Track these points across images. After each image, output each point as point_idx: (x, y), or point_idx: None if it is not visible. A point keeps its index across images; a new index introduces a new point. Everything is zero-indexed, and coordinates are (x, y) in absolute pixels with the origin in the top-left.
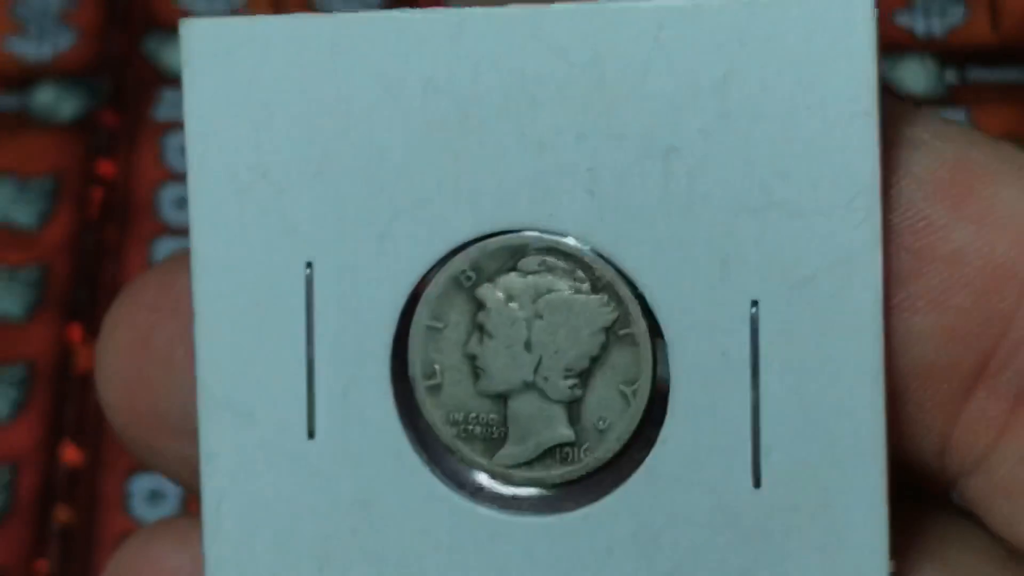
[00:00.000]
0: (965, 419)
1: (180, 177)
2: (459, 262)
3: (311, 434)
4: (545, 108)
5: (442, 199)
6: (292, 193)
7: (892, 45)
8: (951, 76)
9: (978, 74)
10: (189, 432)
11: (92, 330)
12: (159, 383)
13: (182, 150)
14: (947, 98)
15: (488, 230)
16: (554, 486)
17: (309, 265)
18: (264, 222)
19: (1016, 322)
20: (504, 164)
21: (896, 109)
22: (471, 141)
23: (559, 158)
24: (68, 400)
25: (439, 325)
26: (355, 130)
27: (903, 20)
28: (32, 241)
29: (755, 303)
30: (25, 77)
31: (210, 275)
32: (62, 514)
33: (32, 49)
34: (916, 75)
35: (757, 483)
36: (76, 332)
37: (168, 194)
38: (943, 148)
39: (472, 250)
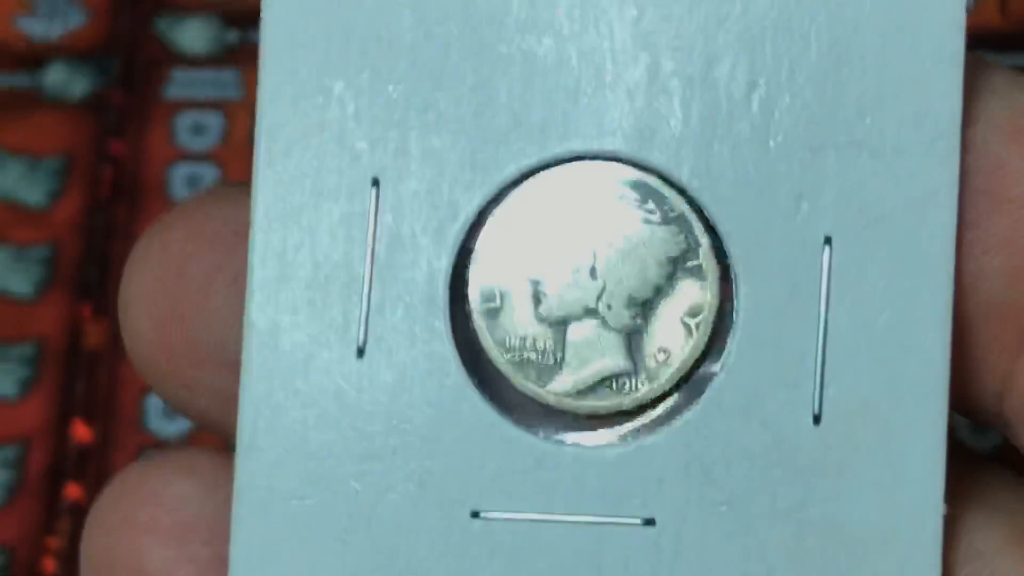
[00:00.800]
0: None
1: (191, 156)
2: (528, 186)
3: (360, 353)
4: (624, 31)
5: (512, 124)
6: (362, 110)
7: None
8: None
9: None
10: (227, 363)
11: (102, 309)
12: (195, 314)
13: (194, 129)
14: None
15: (563, 156)
16: (608, 416)
17: (376, 182)
18: (333, 137)
19: None
20: (590, 94)
21: (974, 63)
22: (556, 70)
23: (644, 91)
24: (78, 378)
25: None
26: (427, 52)
27: None
28: (42, 220)
29: (828, 240)
30: (35, 56)
31: (272, 188)
32: (72, 492)
33: (42, 28)
34: None
35: (817, 420)
36: (86, 311)
37: (178, 174)
38: (1018, 97)
39: (542, 174)
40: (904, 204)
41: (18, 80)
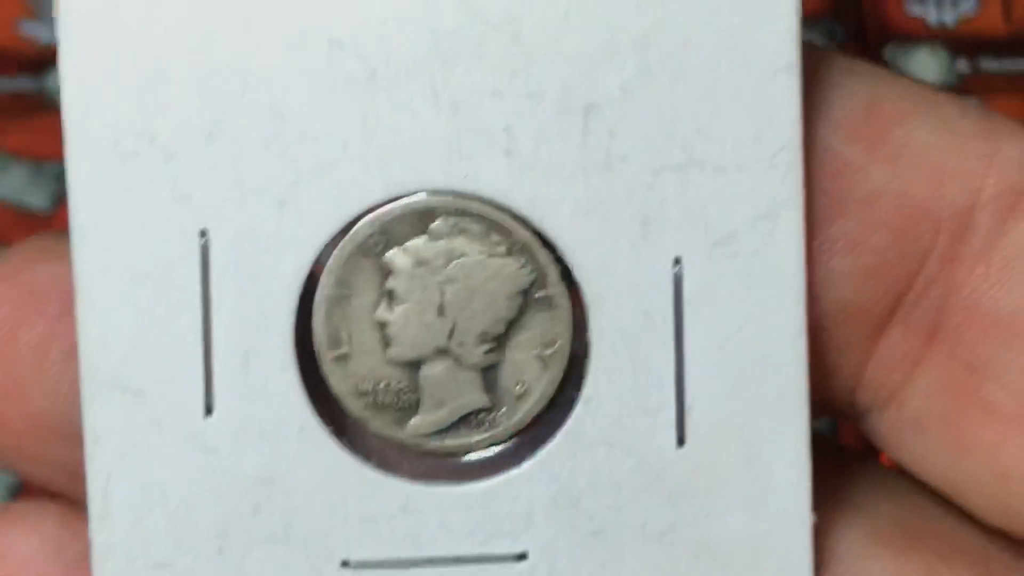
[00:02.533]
0: (879, 356)
1: None
2: (366, 227)
3: (209, 410)
4: (458, 67)
5: (347, 162)
6: (183, 158)
7: (904, 35)
8: (963, 66)
9: (990, 64)
10: (70, 436)
11: None
12: (31, 386)
13: None
14: (959, 88)
15: (397, 193)
16: (470, 452)
17: (203, 234)
18: (152, 189)
19: (930, 259)
20: (414, 125)
21: (811, 55)
22: (379, 101)
23: (474, 118)
24: None
25: (346, 292)
26: (252, 91)
27: (915, 10)
28: (46, 224)
29: (677, 261)
30: (40, 60)
31: (93, 248)
32: None
33: (46, 32)
34: (927, 65)
35: (681, 442)
36: None
37: None
38: (856, 90)
39: (379, 214)
40: (751, 220)
41: (21, 84)
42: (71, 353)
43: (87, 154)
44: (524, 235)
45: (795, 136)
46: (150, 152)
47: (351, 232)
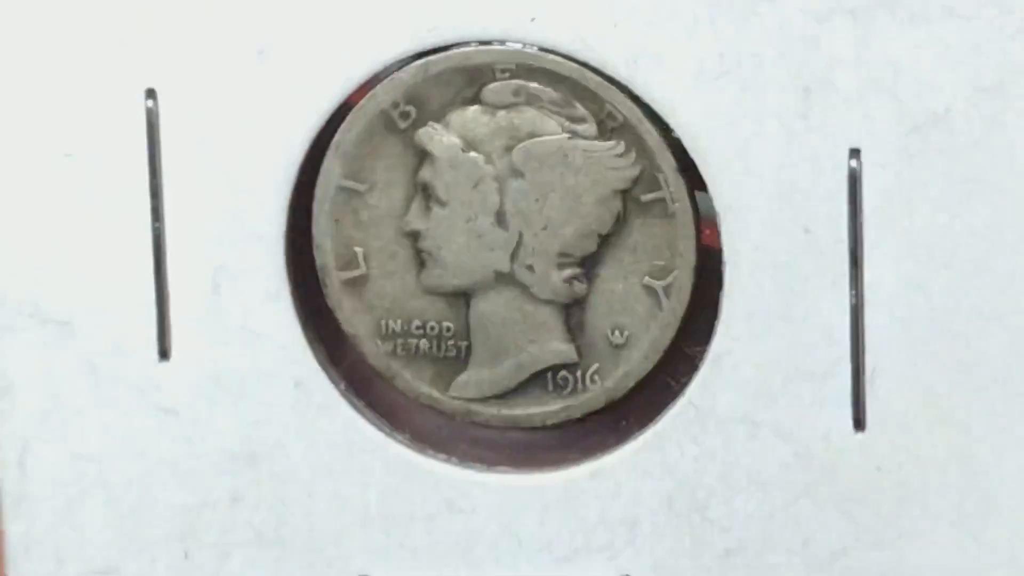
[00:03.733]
0: None
1: None
2: (388, 90)
3: (164, 354)
4: None
5: None
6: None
7: None
8: None
9: None
10: None
11: None
12: None
13: None
14: None
15: (433, 43)
16: (545, 428)
17: (151, 95)
18: (84, 36)
19: None
20: None
21: None
22: None
23: None
24: None
25: (360, 187)
26: None
27: None
28: None
29: (855, 153)
30: None
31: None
32: None
33: None
34: None
35: (859, 424)
36: None
37: None
38: None
39: (407, 71)
40: (968, 94)
41: None
42: None
43: None
44: (625, 107)
45: None
46: None
47: (366, 97)
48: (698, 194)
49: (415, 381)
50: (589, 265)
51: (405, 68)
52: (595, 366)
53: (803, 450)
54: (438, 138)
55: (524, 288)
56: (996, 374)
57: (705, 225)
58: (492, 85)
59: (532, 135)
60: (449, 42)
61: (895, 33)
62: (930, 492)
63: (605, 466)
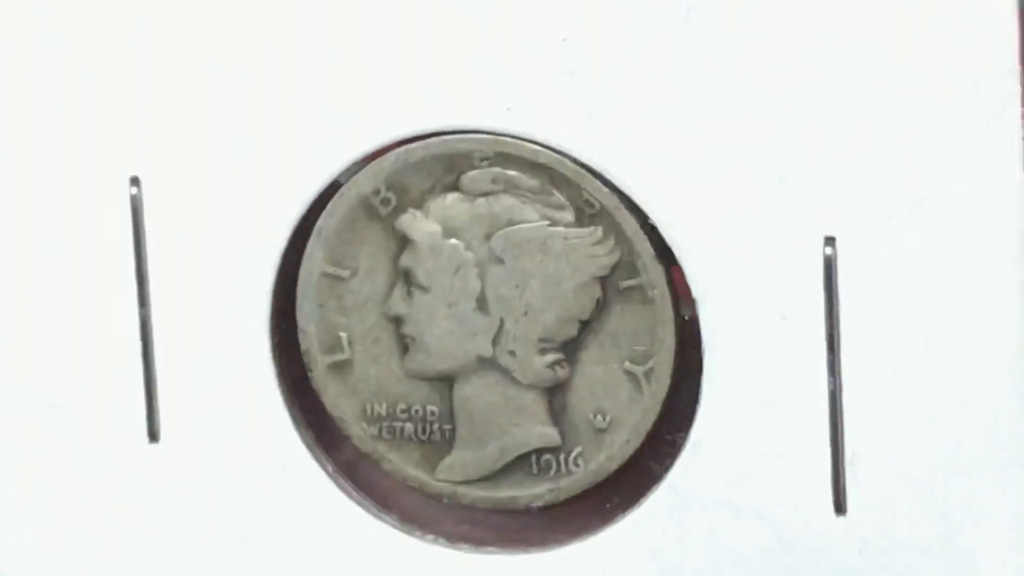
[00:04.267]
0: None
1: None
2: (369, 177)
3: (153, 436)
4: None
5: (339, 85)
6: (108, 83)
7: None
8: None
9: None
10: None
11: None
12: None
13: None
14: None
15: (413, 131)
16: (530, 511)
17: (135, 182)
18: (68, 123)
19: None
20: (436, 34)
21: None
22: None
23: (521, 23)
24: None
25: (343, 272)
26: None
27: None
28: None
29: (830, 241)
30: None
31: None
32: None
33: None
34: None
35: (840, 508)
36: None
37: None
38: None
39: (388, 159)
40: (944, 178)
41: None
42: None
43: None
44: (602, 195)
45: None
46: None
47: (348, 184)
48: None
49: (401, 464)
50: (571, 350)
51: (386, 156)
52: (578, 449)
53: (785, 533)
54: (418, 225)
55: (506, 373)
56: (975, 457)
57: (684, 309)
58: (471, 173)
59: (511, 222)
60: (429, 131)
61: (869, 120)
62: (912, 574)
63: (590, 548)
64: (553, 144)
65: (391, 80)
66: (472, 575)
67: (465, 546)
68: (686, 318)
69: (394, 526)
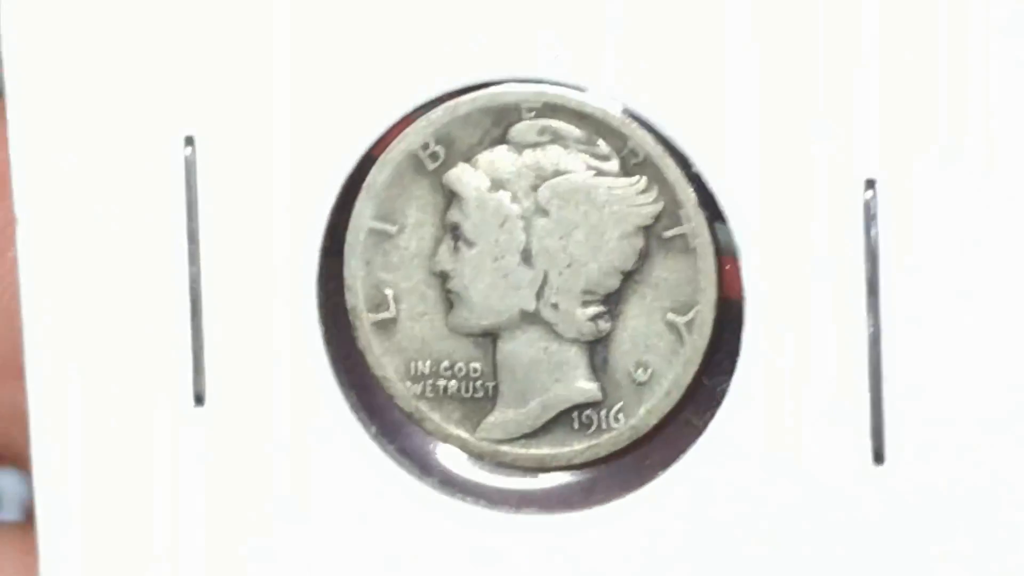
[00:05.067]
0: None
1: None
2: (417, 132)
3: (199, 399)
4: None
5: (388, 37)
6: (163, 45)
7: None
8: None
9: None
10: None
11: None
12: None
13: None
14: None
15: (461, 83)
16: (571, 467)
17: (189, 142)
18: (124, 84)
19: None
20: None
21: None
22: None
23: None
24: None
25: (390, 228)
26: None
27: None
28: None
29: (871, 184)
30: None
31: (40, 156)
32: None
33: None
34: None
35: (879, 457)
36: None
37: None
38: None
39: (436, 113)
40: (985, 118)
41: None
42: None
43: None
44: (647, 143)
45: None
46: (123, 36)
47: (397, 139)
48: (719, 228)
49: (443, 423)
50: (613, 302)
51: (434, 110)
52: (619, 404)
53: (824, 484)
54: (466, 179)
55: (549, 327)
56: (1017, 403)
57: (727, 260)
58: (519, 125)
59: (557, 173)
60: (477, 82)
61: (910, 62)
62: (952, 528)
63: (630, 505)
64: (599, 92)
65: (437, 33)
66: (514, 536)
67: (506, 507)
68: (727, 268)
69: (436, 488)
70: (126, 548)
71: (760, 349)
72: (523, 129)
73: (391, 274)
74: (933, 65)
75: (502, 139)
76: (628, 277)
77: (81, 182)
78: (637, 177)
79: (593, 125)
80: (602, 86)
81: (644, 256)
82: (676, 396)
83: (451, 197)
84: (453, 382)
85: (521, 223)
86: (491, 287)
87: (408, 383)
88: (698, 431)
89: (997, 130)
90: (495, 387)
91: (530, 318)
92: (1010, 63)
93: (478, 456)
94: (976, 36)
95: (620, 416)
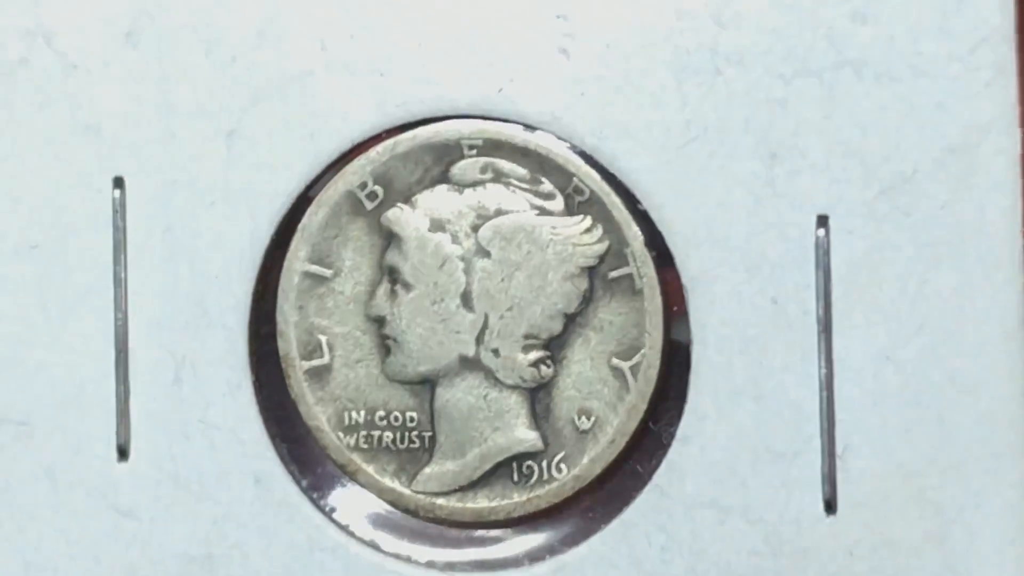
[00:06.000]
0: None
1: None
2: (355, 170)
3: (123, 453)
4: None
5: (326, 72)
6: (91, 76)
7: None
8: None
9: None
10: None
11: None
12: None
13: None
14: None
15: (401, 119)
16: (511, 521)
17: (118, 183)
18: (46, 114)
19: None
20: (427, 16)
21: None
22: None
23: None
24: None
25: (325, 272)
26: None
27: None
28: None
29: (823, 221)
30: None
31: None
32: None
33: None
34: None
35: (831, 508)
36: None
37: None
38: None
39: (376, 151)
40: (937, 153)
41: None
42: None
43: None
44: (593, 182)
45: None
46: (47, 62)
47: (334, 178)
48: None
49: (378, 475)
50: (555, 348)
51: (373, 148)
52: (561, 453)
53: (773, 535)
54: (405, 219)
55: (489, 373)
56: (970, 449)
57: (673, 302)
58: (460, 163)
59: (499, 212)
60: (417, 117)
61: (861, 94)
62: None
63: (570, 561)
64: (543, 127)
65: (375, 68)
66: None
67: (441, 568)
68: (674, 309)
69: (367, 544)
70: None
71: (708, 394)
72: (465, 167)
73: (325, 319)
74: (883, 99)
75: (443, 178)
76: (571, 320)
77: (9, 221)
78: (581, 216)
79: (537, 162)
80: (546, 120)
81: (588, 298)
82: (621, 444)
83: (389, 238)
84: (388, 432)
85: (462, 264)
86: (430, 332)
87: (341, 434)
88: (644, 480)
89: (950, 165)
90: (432, 437)
91: (469, 364)
92: (959, 97)
93: (413, 511)
94: (925, 68)
95: (563, 466)
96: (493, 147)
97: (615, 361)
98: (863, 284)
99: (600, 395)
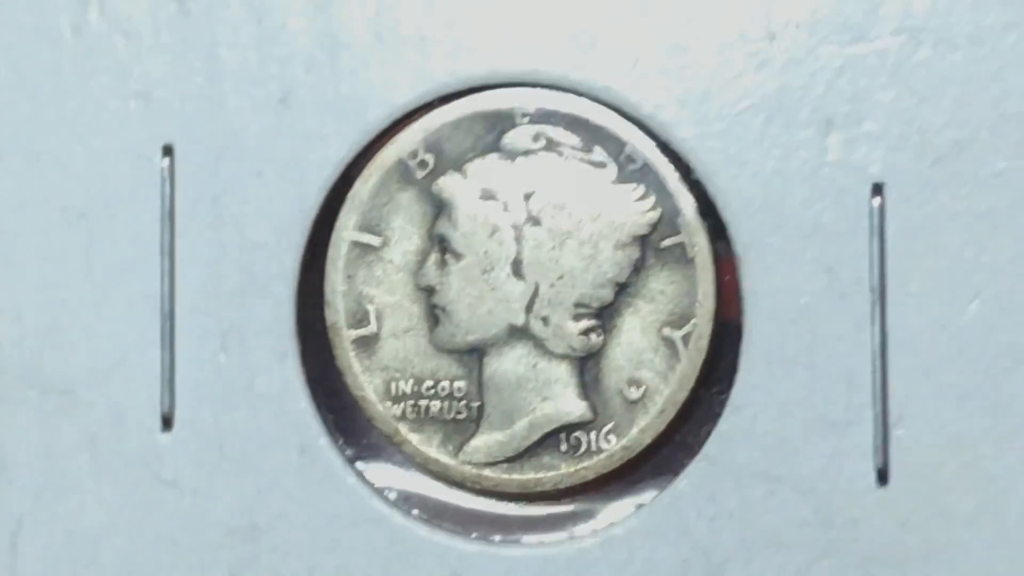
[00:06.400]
0: None
1: None
2: (406, 138)
3: (167, 423)
4: None
5: (375, 40)
6: (142, 44)
7: None
8: None
9: None
10: None
11: None
12: None
13: None
14: None
15: (451, 87)
16: (558, 492)
17: (167, 151)
18: (92, 81)
19: None
20: None
21: None
22: None
23: None
24: None
25: (374, 241)
26: None
27: None
28: None
29: (878, 189)
30: None
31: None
32: None
33: None
34: None
35: (883, 478)
36: None
37: None
38: None
39: (427, 119)
40: (994, 121)
41: None
42: None
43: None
44: (645, 149)
45: None
46: (98, 28)
47: (383, 148)
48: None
49: (423, 446)
50: (606, 317)
51: (424, 115)
52: (610, 424)
53: (824, 506)
54: (456, 188)
55: (538, 342)
56: None
57: (726, 271)
58: (512, 131)
59: (551, 181)
60: (469, 86)
61: (918, 62)
62: (958, 549)
63: (618, 533)
64: (597, 97)
65: (427, 36)
66: (494, 569)
67: (487, 539)
68: (727, 279)
69: (413, 518)
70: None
71: (759, 364)
72: (517, 136)
73: (374, 288)
74: (941, 67)
75: (495, 146)
76: (622, 289)
77: (58, 189)
78: (634, 185)
79: (589, 131)
80: (600, 89)
81: (639, 267)
82: (671, 414)
83: (439, 207)
84: (435, 402)
85: (512, 233)
86: (479, 301)
87: (388, 404)
88: (694, 451)
89: (1007, 133)
90: (480, 407)
91: (518, 333)
92: (1016, 65)
93: (459, 482)
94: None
95: (611, 436)
96: (546, 116)
97: (666, 331)
98: (918, 253)
99: (650, 365)
